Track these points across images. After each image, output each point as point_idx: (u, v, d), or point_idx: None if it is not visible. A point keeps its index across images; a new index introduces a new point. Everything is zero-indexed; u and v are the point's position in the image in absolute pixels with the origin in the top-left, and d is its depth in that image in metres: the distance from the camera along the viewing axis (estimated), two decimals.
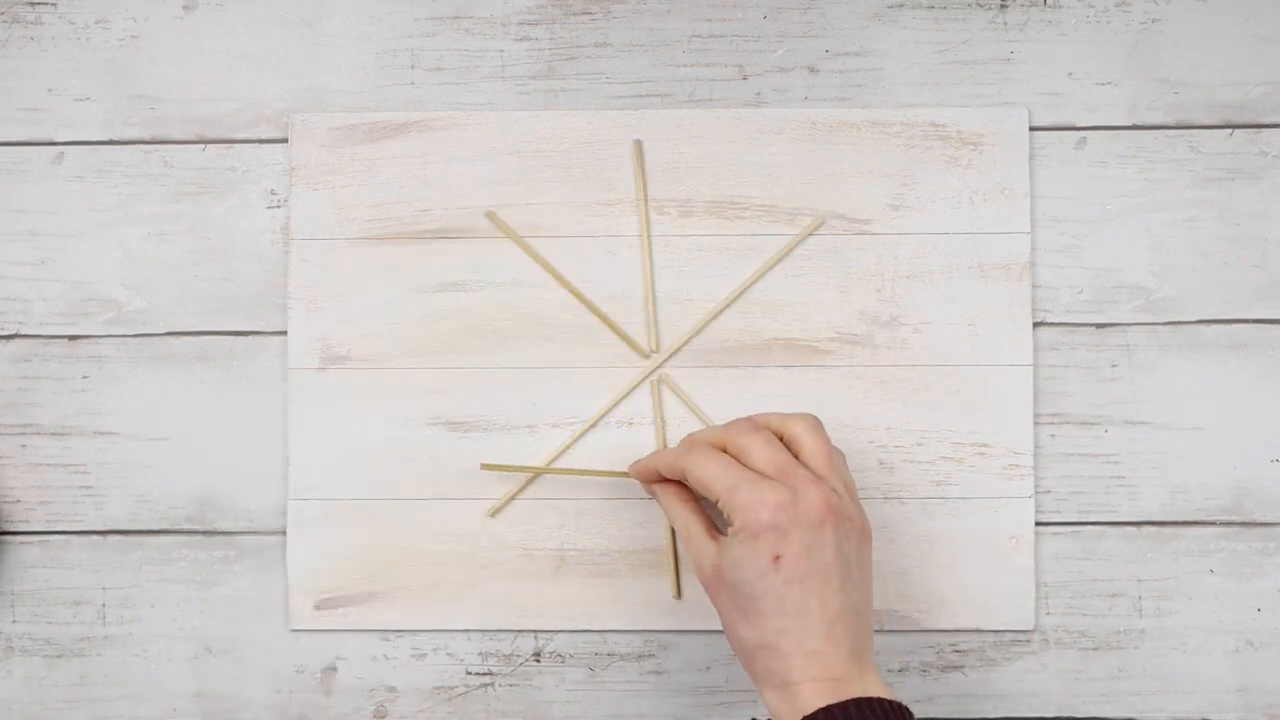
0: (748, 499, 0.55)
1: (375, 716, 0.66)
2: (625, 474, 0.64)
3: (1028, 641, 0.65)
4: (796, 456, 0.58)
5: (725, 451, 0.58)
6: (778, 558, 0.55)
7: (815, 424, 0.58)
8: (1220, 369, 0.66)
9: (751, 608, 0.55)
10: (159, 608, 0.66)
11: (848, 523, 0.56)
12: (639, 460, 0.62)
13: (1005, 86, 0.66)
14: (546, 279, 0.66)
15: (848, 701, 0.53)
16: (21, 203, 0.67)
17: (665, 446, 0.65)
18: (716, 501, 0.57)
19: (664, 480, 0.61)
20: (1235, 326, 0.66)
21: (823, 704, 0.53)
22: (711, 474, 0.57)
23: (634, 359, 0.66)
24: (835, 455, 0.58)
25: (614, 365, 0.66)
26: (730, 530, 0.56)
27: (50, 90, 0.67)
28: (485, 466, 0.65)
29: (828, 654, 0.54)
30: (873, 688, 0.54)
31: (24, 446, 0.66)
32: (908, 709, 0.53)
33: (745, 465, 0.57)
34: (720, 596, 0.57)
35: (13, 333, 0.66)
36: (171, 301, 0.66)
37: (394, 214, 0.66)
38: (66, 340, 0.66)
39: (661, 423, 0.65)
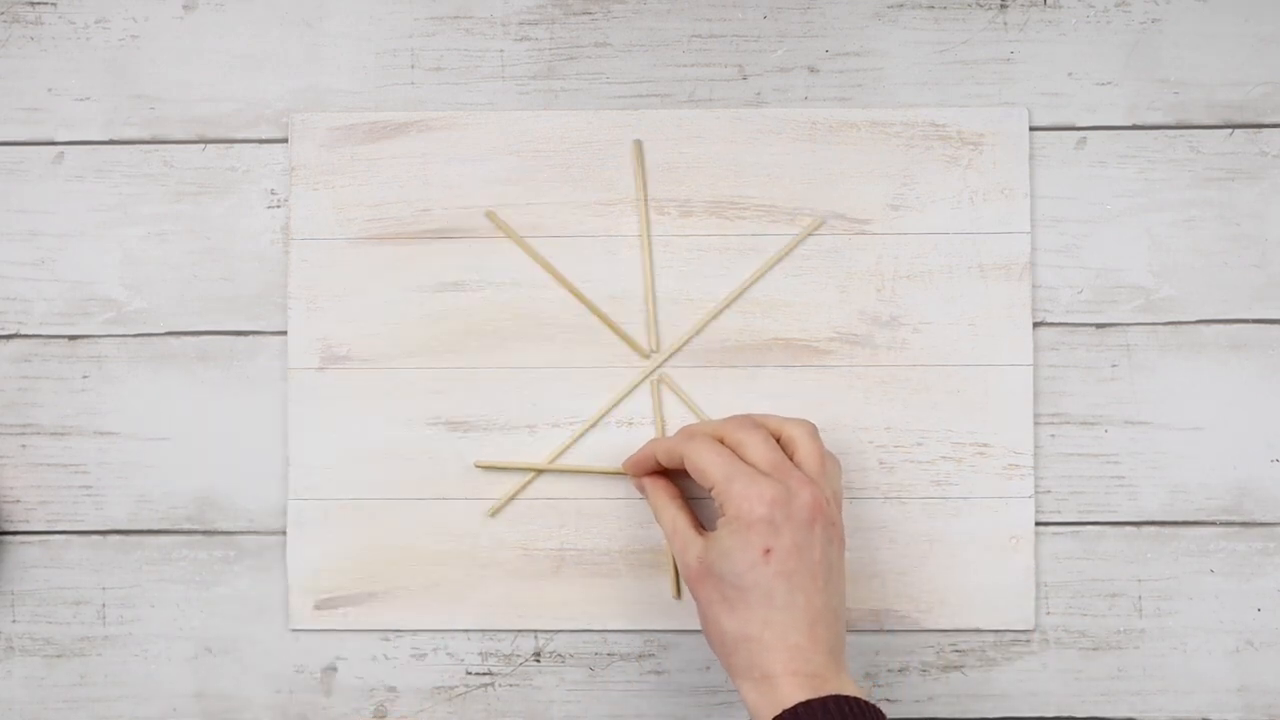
0: (743, 490, 0.56)
1: (375, 716, 0.66)
2: (619, 471, 0.64)
3: (1028, 641, 0.65)
4: (791, 458, 0.58)
5: (722, 444, 0.59)
6: (768, 551, 0.55)
7: (812, 429, 0.60)
8: (1220, 369, 0.66)
9: (739, 599, 0.56)
10: (159, 608, 0.66)
11: (832, 528, 0.57)
12: (633, 454, 0.63)
13: (1005, 86, 0.66)
14: (546, 279, 0.66)
15: (826, 698, 0.53)
16: (21, 203, 0.67)
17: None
18: (711, 489, 0.57)
19: (654, 475, 0.62)
20: (1235, 326, 0.66)
21: (802, 698, 0.54)
22: (710, 462, 0.57)
23: (634, 359, 0.66)
24: (829, 461, 0.59)
25: (614, 365, 0.66)
26: (721, 521, 0.57)
27: (50, 90, 0.67)
28: (480, 465, 0.65)
29: (808, 650, 0.55)
30: (848, 688, 0.55)
31: (24, 446, 0.66)
32: (882, 712, 0.54)
33: (742, 459, 0.57)
34: (706, 589, 0.57)
35: (13, 333, 0.66)
36: (171, 301, 0.66)
37: (394, 214, 0.66)
38: (66, 340, 0.66)
39: (661, 423, 0.65)
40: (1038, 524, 0.65)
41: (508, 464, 0.65)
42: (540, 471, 0.65)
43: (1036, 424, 0.66)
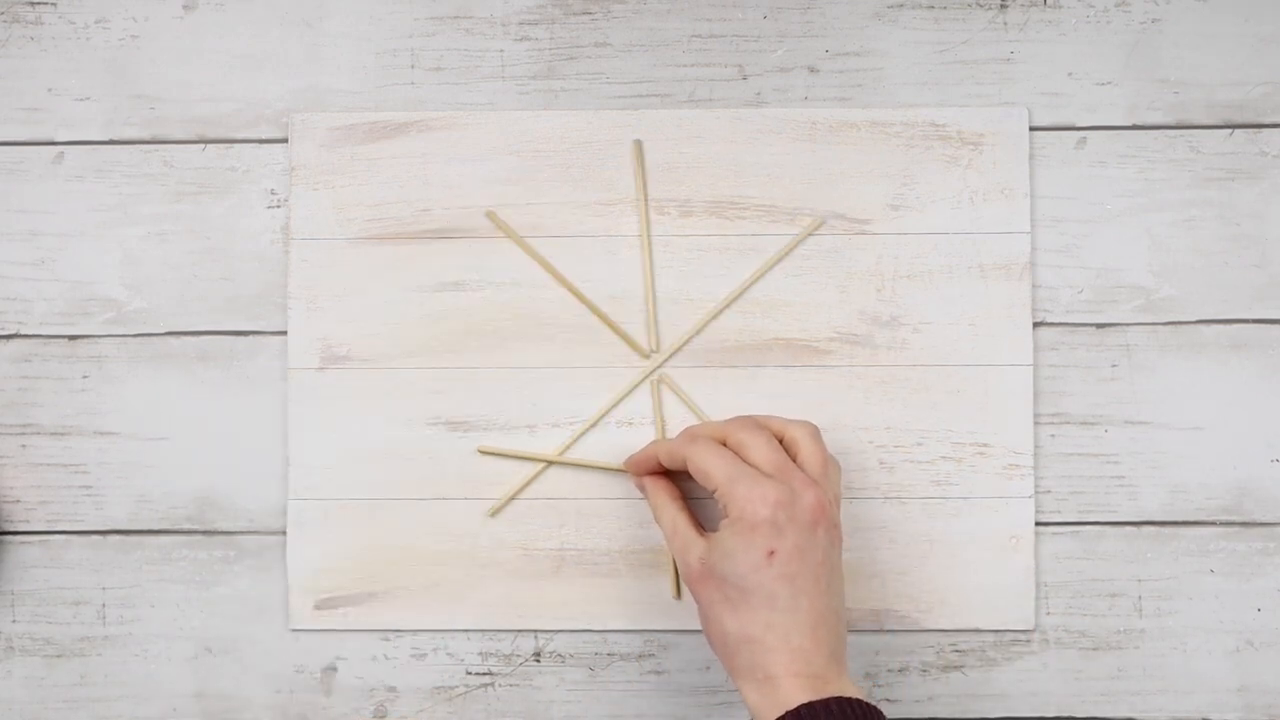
0: (747, 492, 0.56)
1: (375, 716, 0.66)
2: (621, 469, 0.64)
3: (1028, 641, 0.65)
4: (794, 460, 0.58)
5: (725, 446, 0.59)
6: (772, 553, 0.55)
7: (815, 431, 0.60)
8: (1220, 369, 0.66)
9: (741, 600, 0.56)
10: (159, 608, 0.66)
11: (834, 530, 0.58)
12: (635, 453, 0.63)
13: (1005, 86, 0.66)
14: (546, 279, 0.66)
15: (829, 699, 0.54)
16: (21, 203, 0.67)
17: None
18: (714, 492, 0.57)
19: (655, 475, 0.63)
20: (1235, 326, 0.66)
21: (804, 699, 0.54)
22: (713, 464, 0.57)
23: (634, 359, 0.66)
24: (830, 464, 0.59)
25: (614, 365, 0.66)
26: (724, 522, 0.57)
27: (50, 90, 0.67)
28: (482, 450, 0.65)
29: (811, 652, 0.55)
30: (849, 689, 0.55)
31: (24, 446, 0.66)
32: (883, 714, 0.54)
33: (744, 461, 0.57)
34: (707, 590, 0.57)
35: (13, 333, 0.66)
36: (171, 301, 0.66)
37: (394, 214, 0.66)
38: (66, 340, 0.66)
39: (661, 422, 0.65)
40: (1038, 524, 0.65)
41: (510, 451, 0.65)
42: (550, 463, 0.65)
43: (1036, 424, 0.66)
